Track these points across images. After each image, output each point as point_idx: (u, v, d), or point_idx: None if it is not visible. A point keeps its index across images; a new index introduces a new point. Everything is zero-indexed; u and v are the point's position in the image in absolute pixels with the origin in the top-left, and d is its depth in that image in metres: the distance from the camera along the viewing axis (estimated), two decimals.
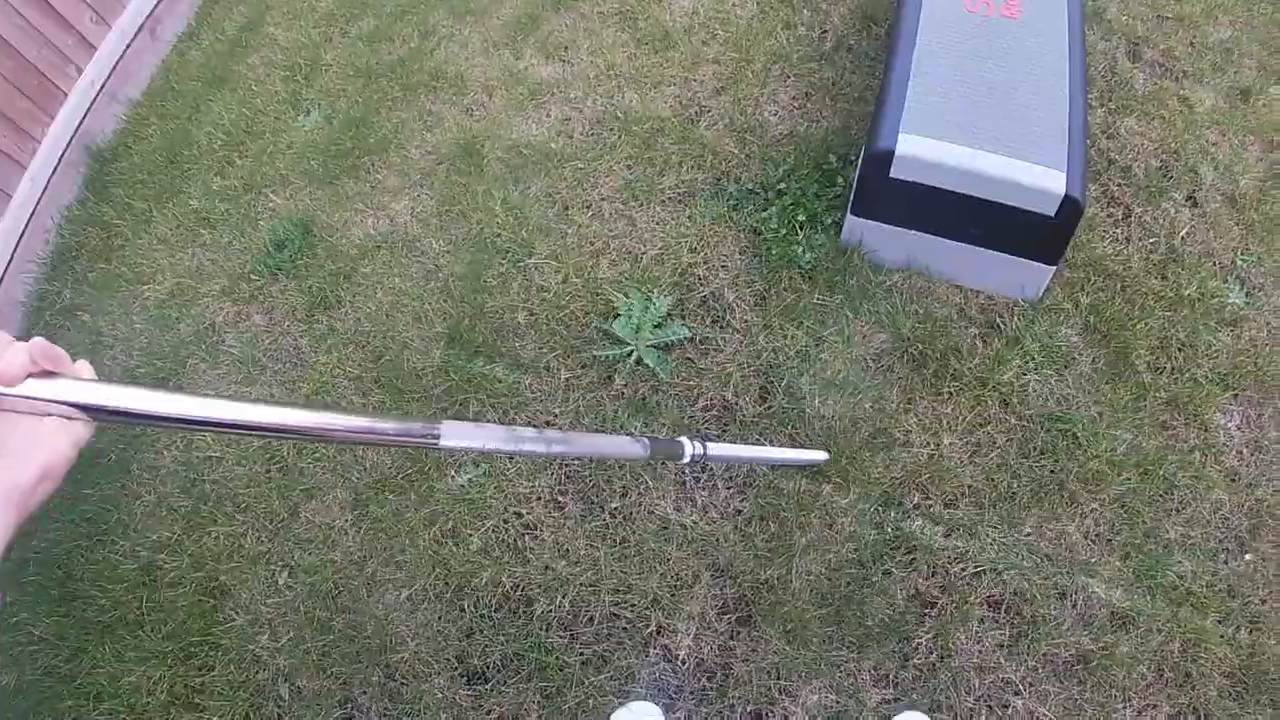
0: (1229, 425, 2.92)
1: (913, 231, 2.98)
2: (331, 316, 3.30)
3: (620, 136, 3.53)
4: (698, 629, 2.60)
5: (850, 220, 3.06)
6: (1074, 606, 2.55)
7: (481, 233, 3.40)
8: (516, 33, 4.01)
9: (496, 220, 3.42)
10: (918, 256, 3.06)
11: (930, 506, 2.73)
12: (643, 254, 3.27)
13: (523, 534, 2.77)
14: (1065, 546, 2.64)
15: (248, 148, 3.92)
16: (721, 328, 3.14)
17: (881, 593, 2.60)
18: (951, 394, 2.93)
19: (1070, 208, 2.68)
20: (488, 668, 2.59)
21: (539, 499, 2.83)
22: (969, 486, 2.74)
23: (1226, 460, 2.82)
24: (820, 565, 2.66)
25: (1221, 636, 2.48)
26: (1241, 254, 3.17)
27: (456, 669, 2.59)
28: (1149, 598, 2.56)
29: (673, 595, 2.63)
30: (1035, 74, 2.91)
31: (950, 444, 2.82)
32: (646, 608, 2.62)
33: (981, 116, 2.79)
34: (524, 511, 2.80)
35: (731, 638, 2.59)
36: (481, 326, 3.15)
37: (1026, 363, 2.96)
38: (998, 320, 3.03)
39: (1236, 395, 2.99)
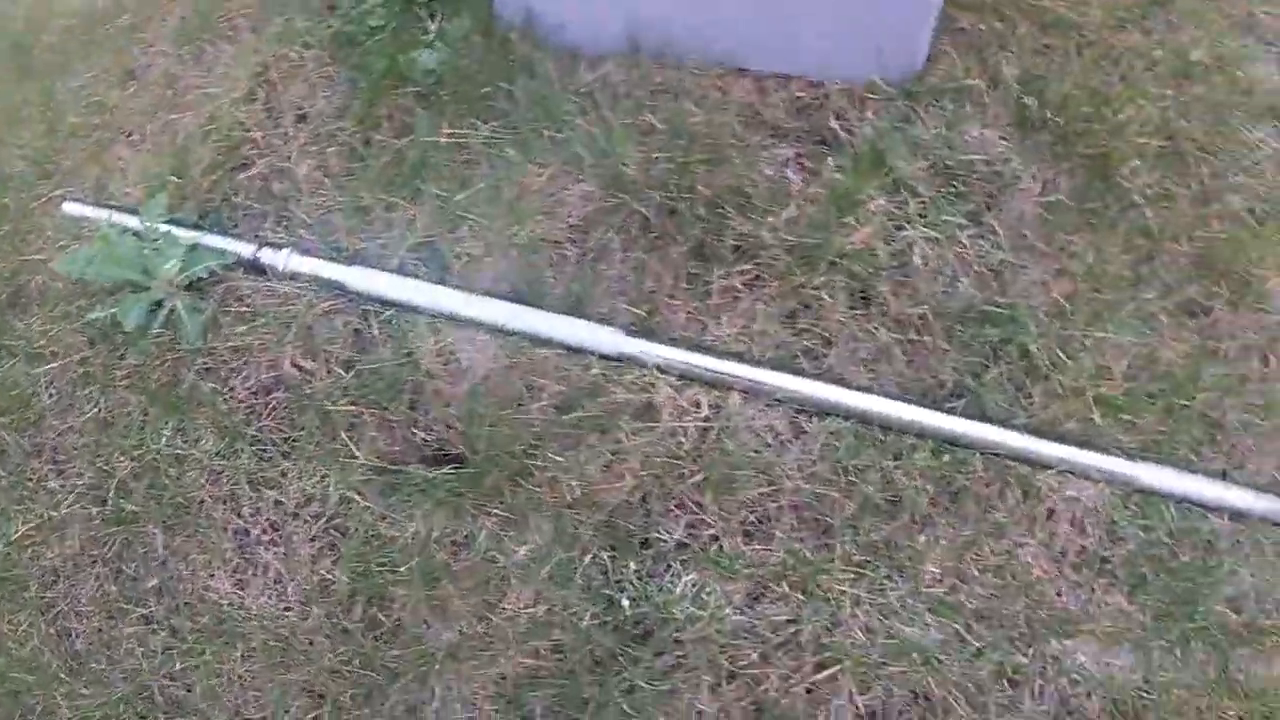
0: None
1: None
2: None
3: None
4: None
5: None
6: None
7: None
8: None
9: (27, 133, 1.89)
10: (648, 23, 1.45)
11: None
12: (176, 134, 1.67)
13: None
14: None
15: None
16: (285, 227, 1.51)
17: None
18: (740, 287, 1.29)
19: None
20: None
21: None
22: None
23: None
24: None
25: None
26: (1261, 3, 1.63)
27: None
28: None
29: None
30: None
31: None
32: None
33: None
34: None
35: None
36: None
37: (902, 204, 1.34)
38: (832, 126, 1.41)
39: None
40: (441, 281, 1.39)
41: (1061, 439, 1.33)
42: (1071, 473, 1.35)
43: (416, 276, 1.40)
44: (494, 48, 1.49)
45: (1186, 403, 1.43)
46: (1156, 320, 1.42)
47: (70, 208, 1.67)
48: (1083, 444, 1.35)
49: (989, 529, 1.31)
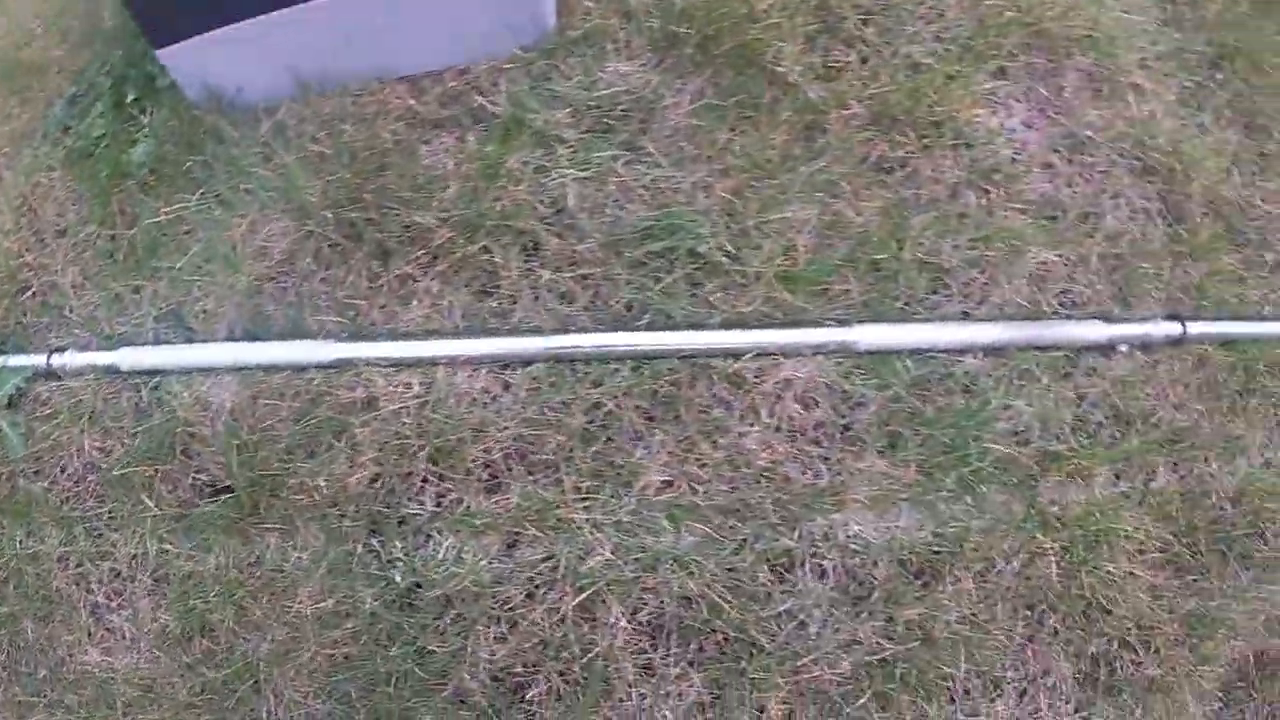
0: (1011, 126, 1.54)
1: (257, 19, 1.52)
2: None
3: None
4: None
5: (166, 60, 1.61)
6: None
7: None
8: None
9: None
10: (303, 62, 1.58)
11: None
12: None
13: None
14: None
15: None
16: (65, 330, 1.68)
17: None
18: (416, 271, 1.40)
19: None
20: None
21: None
22: None
23: (1027, 189, 1.36)
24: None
25: None
26: None
27: None
28: None
29: None
30: None
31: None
32: None
33: None
34: None
35: None
36: None
37: (550, 155, 1.43)
38: (480, 102, 1.51)
39: (1004, 70, 1.58)
40: (189, 340, 1.55)
41: (759, 326, 1.39)
42: (781, 354, 1.41)
43: (169, 343, 1.56)
44: (187, 126, 1.64)
45: (894, 256, 1.47)
46: (838, 187, 1.47)
47: None
48: (781, 325, 1.41)
49: (706, 428, 1.38)
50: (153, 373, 1.57)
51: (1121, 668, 1.39)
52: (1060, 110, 1.64)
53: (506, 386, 1.40)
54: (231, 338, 1.52)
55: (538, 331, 1.39)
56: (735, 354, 1.38)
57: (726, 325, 1.39)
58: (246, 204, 1.54)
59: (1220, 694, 1.50)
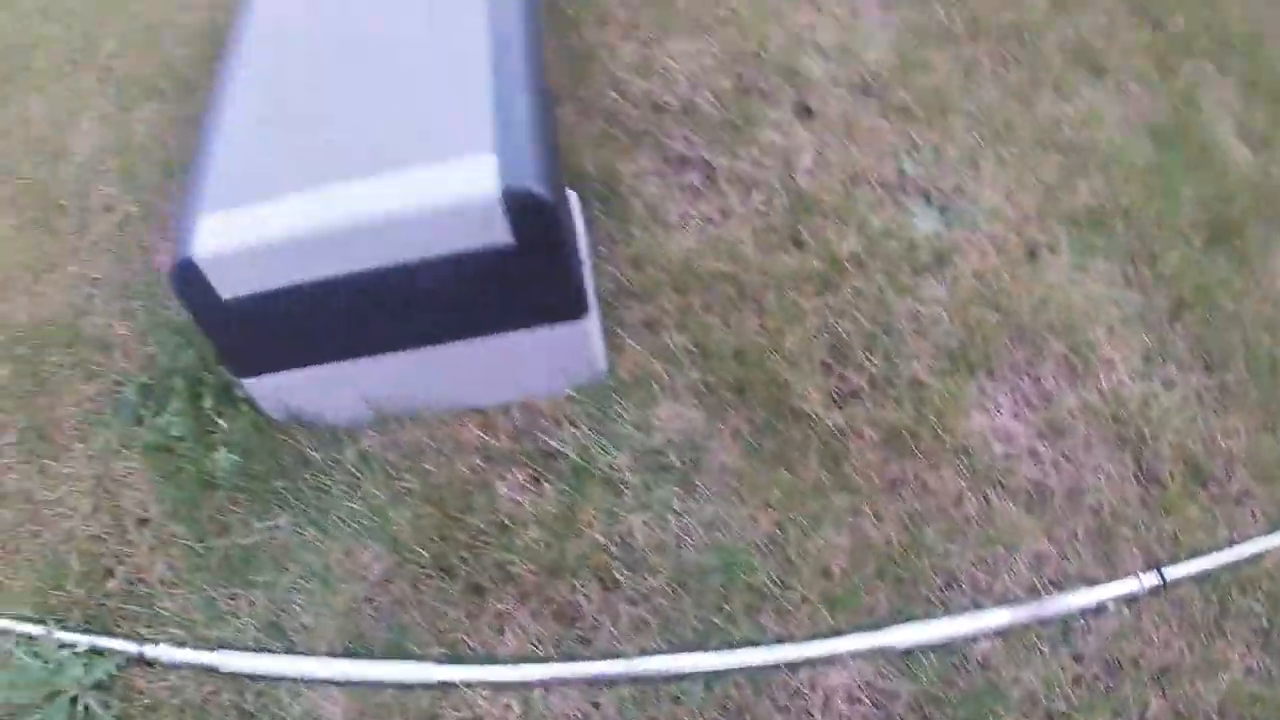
0: (1002, 424, 1.72)
1: (340, 364, 1.68)
2: None
3: (9, 368, 2.27)
4: None
5: (249, 385, 1.77)
6: None
7: None
8: None
9: None
10: (380, 394, 1.75)
11: None
12: (44, 546, 1.97)
13: None
14: None
15: None
16: (158, 622, 1.81)
17: None
18: (512, 609, 1.59)
19: (531, 211, 1.40)
20: None
21: None
22: None
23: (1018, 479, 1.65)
24: None
25: None
26: (909, 155, 1.87)
27: None
28: None
29: None
30: (425, 31, 1.65)
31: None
32: None
33: (330, 136, 1.52)
34: None
35: None
36: None
37: (617, 497, 1.64)
38: (548, 442, 1.70)
39: (991, 371, 1.78)
40: (290, 651, 1.71)
41: (808, 639, 1.62)
42: (828, 663, 1.64)
43: (270, 651, 1.71)
44: (272, 444, 1.79)
45: (913, 565, 1.71)
46: (862, 511, 1.69)
47: None
48: (826, 636, 1.64)
49: None
50: (255, 678, 1.72)
51: None
52: (1042, 398, 1.88)
53: (596, 705, 1.60)
54: (333, 653, 1.69)
55: (620, 655, 1.61)
56: (791, 666, 1.61)
57: (780, 641, 1.62)
58: (339, 529, 1.71)
59: None
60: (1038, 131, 2.14)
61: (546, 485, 1.66)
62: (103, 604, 1.85)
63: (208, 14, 2.89)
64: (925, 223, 1.95)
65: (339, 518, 1.72)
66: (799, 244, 1.90)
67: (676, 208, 1.99)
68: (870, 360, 1.78)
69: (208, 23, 2.96)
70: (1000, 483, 1.80)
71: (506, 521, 1.64)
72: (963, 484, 1.75)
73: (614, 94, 2.26)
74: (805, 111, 2.14)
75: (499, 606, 1.61)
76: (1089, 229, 2.06)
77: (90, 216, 2.47)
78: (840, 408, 1.73)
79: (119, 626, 1.84)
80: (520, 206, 1.38)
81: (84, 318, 2.25)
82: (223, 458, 1.82)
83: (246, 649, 1.73)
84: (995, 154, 2.08)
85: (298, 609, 1.72)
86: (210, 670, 1.73)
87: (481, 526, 1.64)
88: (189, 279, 1.50)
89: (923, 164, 2.04)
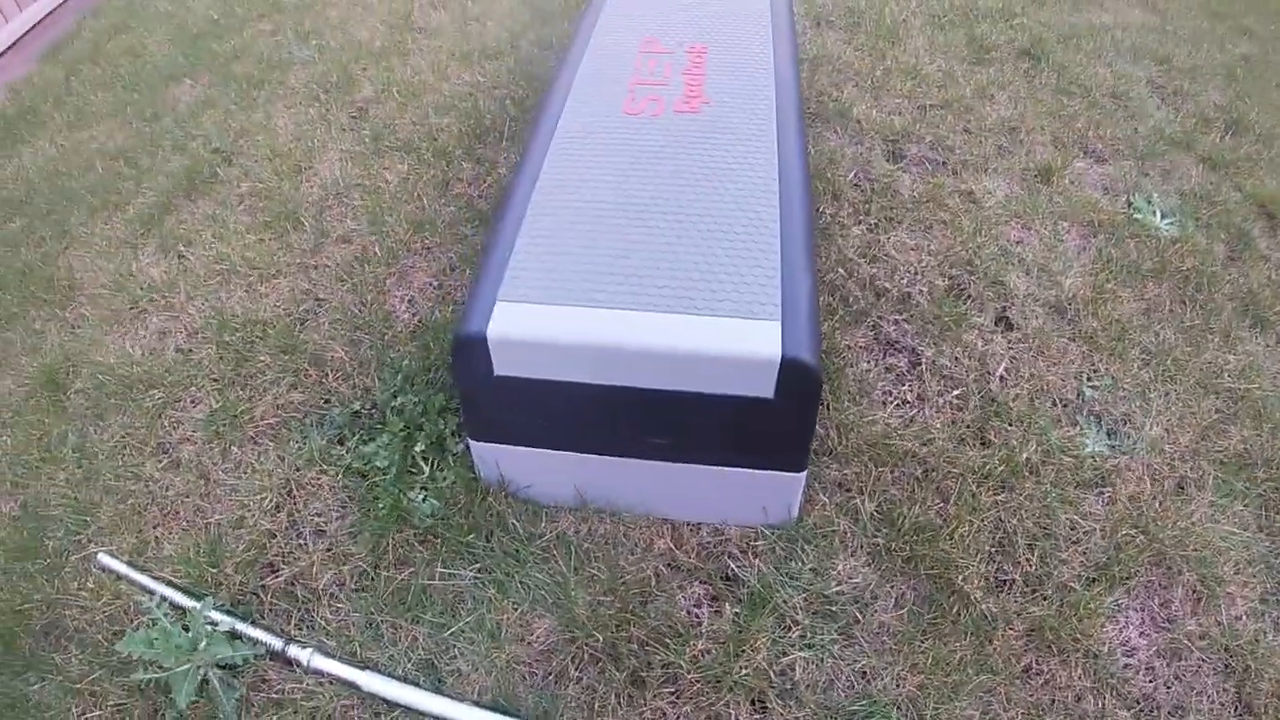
0: (1128, 637, 1.86)
1: (571, 454, 1.86)
2: None
3: (215, 350, 2.48)
4: None
5: (476, 448, 1.95)
6: None
7: (40, 496, 2.27)
8: (142, 226, 3.05)
9: (63, 476, 2.29)
10: (591, 487, 1.92)
11: None
12: (209, 523, 2.13)
13: None
14: None
15: None
16: (309, 628, 1.96)
17: None
18: (667, 708, 1.72)
19: (798, 378, 1.60)
20: None
21: None
22: None
23: (1133, 689, 1.72)
24: None
25: None
26: (1089, 380, 2.04)
27: None
28: None
29: None
30: (726, 190, 1.88)
31: None
32: None
33: (632, 264, 1.73)
34: None
35: None
36: (23, 631, 1.98)
37: (786, 631, 1.77)
38: (731, 567, 1.86)
39: (1129, 588, 1.93)
40: (438, 691, 1.83)
41: None
42: None
43: (418, 685, 1.83)
44: (475, 503, 1.96)
45: None
46: (995, 693, 1.81)
47: (106, 560, 2.00)
48: None
49: None
50: (394, 705, 1.82)
51: None
52: (1167, 620, 2.01)
53: None
54: (478, 704, 1.82)
55: None
56: None
57: None
58: (520, 594, 1.86)
59: None
60: (1202, 374, 2.31)
61: (725, 605, 1.80)
62: (256, 594, 1.97)
63: (469, 90, 3.18)
64: (1094, 444, 2.11)
65: (523, 584, 1.87)
66: (985, 443, 2.07)
67: (882, 385, 2.18)
68: (1029, 559, 1.92)
69: (469, 100, 3.25)
70: (1117, 690, 1.91)
71: (680, 629, 1.78)
72: (1086, 684, 1.86)
73: (842, 271, 2.50)
74: (1006, 323, 2.35)
75: (656, 704, 1.74)
76: (1233, 471, 2.20)
77: (326, 241, 2.72)
78: (995, 595, 1.87)
79: (264, 619, 1.97)
80: (791, 372, 1.56)
81: (304, 331, 2.46)
82: (422, 500, 2.00)
83: (395, 678, 1.86)
84: (1163, 390, 2.24)
85: (457, 655, 1.85)
86: (350, 685, 1.84)
87: (657, 627, 1.78)
88: (473, 349, 1.69)
89: (1100, 389, 2.21)
